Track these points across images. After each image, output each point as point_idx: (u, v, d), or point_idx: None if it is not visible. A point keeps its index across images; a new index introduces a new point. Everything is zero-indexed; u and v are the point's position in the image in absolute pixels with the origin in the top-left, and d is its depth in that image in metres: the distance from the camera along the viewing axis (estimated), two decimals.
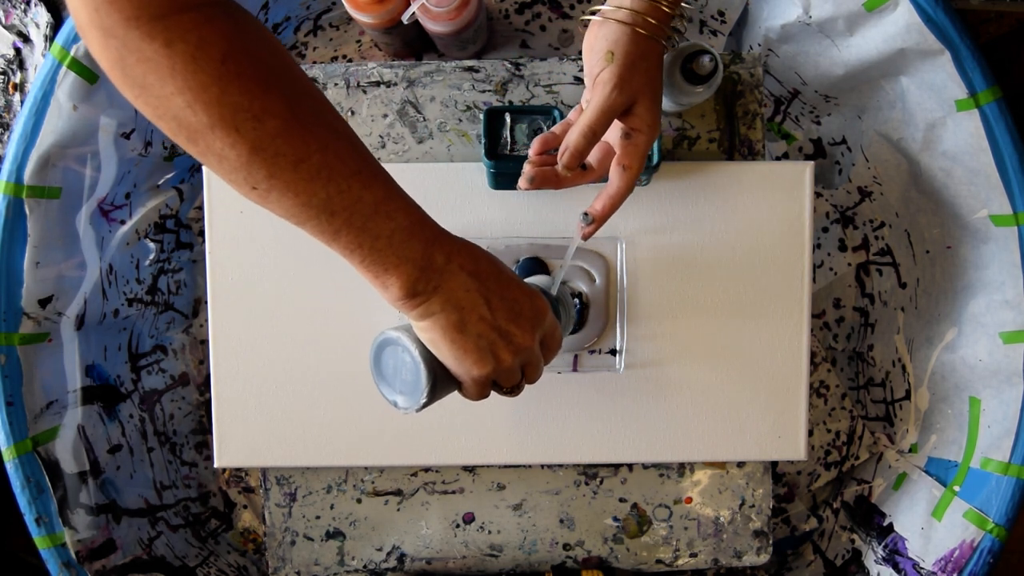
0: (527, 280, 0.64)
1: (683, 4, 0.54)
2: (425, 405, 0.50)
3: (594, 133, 0.53)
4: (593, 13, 0.53)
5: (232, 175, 0.40)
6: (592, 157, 0.60)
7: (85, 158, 0.80)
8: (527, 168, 0.57)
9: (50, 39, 0.89)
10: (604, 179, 0.57)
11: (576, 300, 0.72)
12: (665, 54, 0.55)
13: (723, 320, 0.73)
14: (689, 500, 0.78)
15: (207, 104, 0.37)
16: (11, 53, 0.92)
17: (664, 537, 0.78)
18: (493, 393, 0.53)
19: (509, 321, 0.49)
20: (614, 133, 0.55)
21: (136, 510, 0.87)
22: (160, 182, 0.94)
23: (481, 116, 0.69)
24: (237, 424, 0.74)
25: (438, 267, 0.46)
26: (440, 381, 0.50)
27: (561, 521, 0.78)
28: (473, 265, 0.48)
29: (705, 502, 0.78)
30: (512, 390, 0.54)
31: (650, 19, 0.51)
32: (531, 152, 0.58)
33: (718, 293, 0.73)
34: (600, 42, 0.52)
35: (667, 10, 0.52)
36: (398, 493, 0.78)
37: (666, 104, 0.71)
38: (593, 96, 0.52)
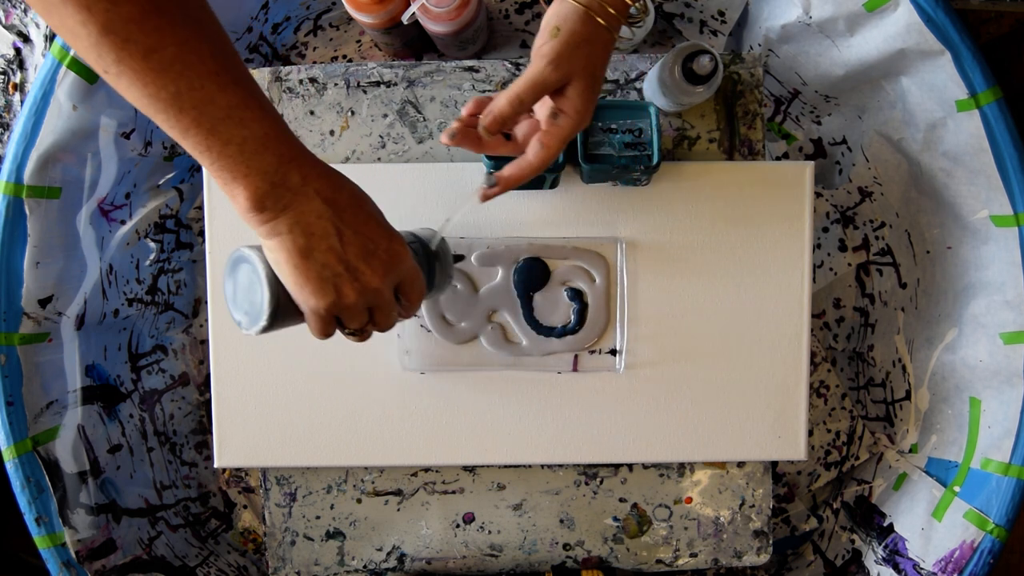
0: (412, 230, 0.62)
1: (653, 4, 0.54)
2: (266, 329, 0.49)
3: (520, 101, 0.52)
4: None
5: (85, 54, 0.40)
6: (519, 130, 0.59)
7: (85, 158, 0.80)
8: (453, 123, 0.56)
9: (50, 39, 0.89)
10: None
11: (575, 302, 0.72)
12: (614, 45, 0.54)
13: (723, 320, 0.73)
14: (689, 500, 0.78)
15: None
16: (11, 53, 0.92)
17: (664, 537, 0.78)
18: (340, 335, 0.52)
19: (359, 258, 0.47)
20: (546, 111, 0.55)
21: (136, 510, 0.87)
22: (160, 182, 0.94)
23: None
24: (237, 424, 0.74)
25: (292, 186, 0.44)
26: (283, 307, 0.49)
27: (561, 521, 0.78)
28: (331, 192, 0.46)
29: (705, 502, 0.78)
30: (358, 333, 0.52)
31: (608, 7, 0.51)
32: (464, 110, 0.58)
33: (718, 293, 0.73)
34: (551, 18, 0.52)
35: (628, 1, 0.52)
36: (398, 493, 0.78)
37: (666, 104, 0.71)
38: (528, 67, 0.52)
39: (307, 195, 0.45)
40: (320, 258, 0.46)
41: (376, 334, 0.54)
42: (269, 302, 0.48)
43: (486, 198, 0.57)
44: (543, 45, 0.52)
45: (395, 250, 0.50)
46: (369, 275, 0.48)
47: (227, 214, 0.73)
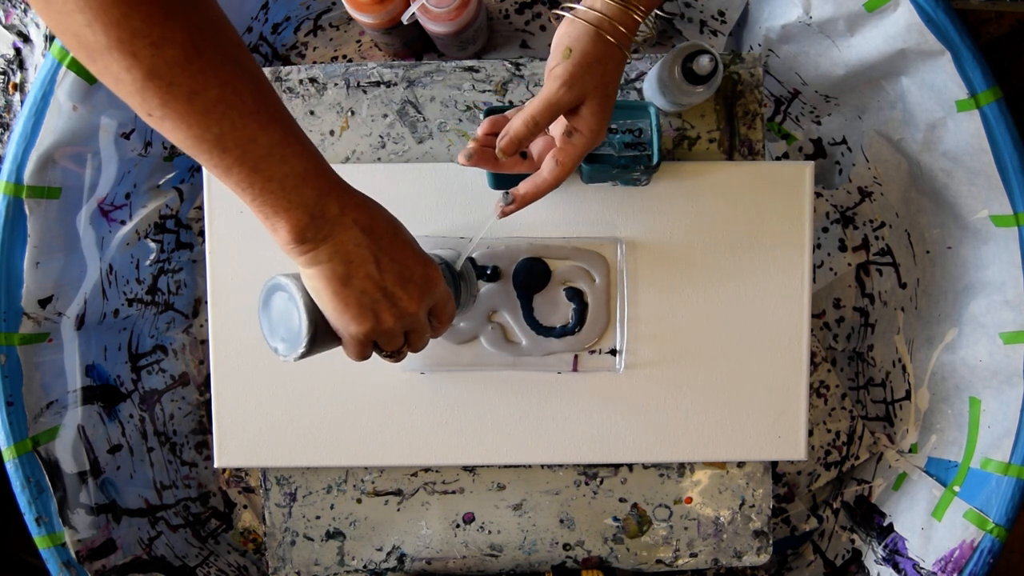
0: (437, 252, 0.64)
1: (657, 12, 0.54)
2: (304, 355, 0.50)
3: (536, 123, 0.53)
4: (568, 9, 0.53)
5: (128, 99, 0.40)
6: (534, 148, 0.60)
7: (85, 158, 0.80)
8: (470, 144, 0.58)
9: (50, 39, 0.89)
10: None
11: (574, 302, 0.72)
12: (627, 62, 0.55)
13: (723, 320, 0.73)
14: (689, 500, 0.78)
15: (106, 25, 0.37)
16: (11, 53, 0.92)
17: (664, 537, 0.78)
18: (376, 356, 0.54)
19: (396, 284, 0.49)
20: (560, 128, 0.56)
21: (136, 510, 0.87)
22: (160, 182, 0.94)
23: (481, 116, 0.69)
24: (237, 424, 0.74)
25: (331, 217, 0.46)
26: (321, 333, 0.50)
27: (561, 521, 0.78)
28: (368, 221, 0.48)
29: (705, 502, 0.78)
30: (394, 355, 0.53)
31: (619, 25, 0.51)
32: (480, 130, 0.59)
33: (718, 293, 0.73)
34: (563, 38, 0.53)
35: (638, 18, 0.52)
36: (398, 493, 0.78)
37: (666, 104, 0.71)
38: (543, 88, 0.53)
39: (345, 225, 0.46)
40: (359, 285, 0.48)
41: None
42: (308, 328, 0.49)
43: (504, 215, 0.59)
44: (556, 66, 0.52)
45: (430, 275, 0.51)
46: (406, 300, 0.50)
47: (227, 214, 0.73)
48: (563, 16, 0.53)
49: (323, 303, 0.48)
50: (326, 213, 0.45)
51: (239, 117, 0.41)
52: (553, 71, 0.52)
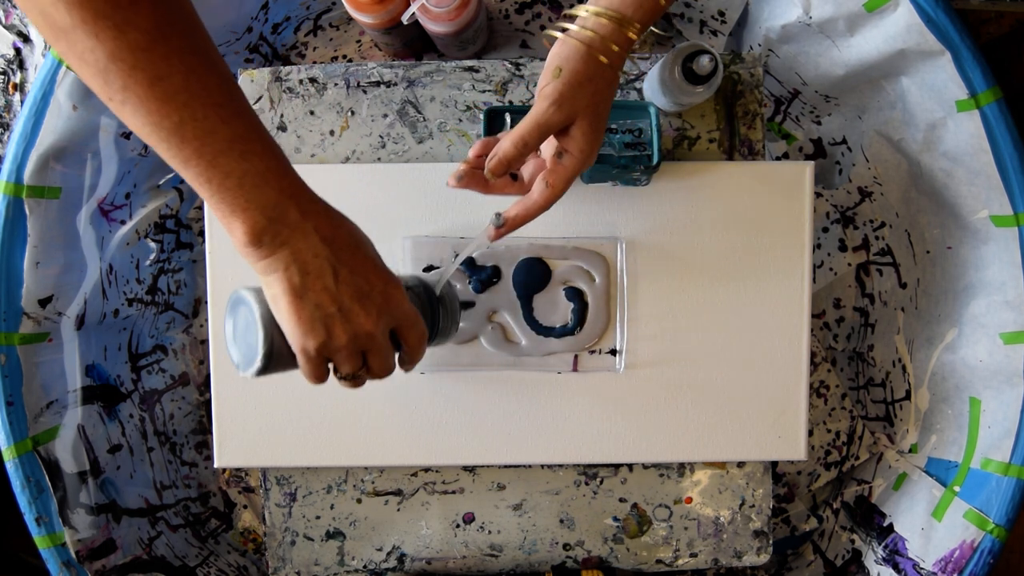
0: (418, 274, 0.62)
1: (653, 30, 0.54)
2: (262, 371, 0.48)
3: (525, 144, 0.52)
4: (563, 30, 0.52)
5: (91, 81, 0.40)
6: (525, 170, 0.60)
7: (85, 158, 0.80)
8: (460, 166, 0.57)
9: None
10: None
11: (573, 302, 0.72)
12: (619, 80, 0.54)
13: (723, 320, 0.73)
14: (689, 500, 0.78)
15: (70, 5, 0.37)
16: (11, 53, 0.92)
17: (664, 537, 0.78)
18: (334, 380, 0.51)
19: (353, 299, 0.47)
20: (550, 150, 0.55)
21: (136, 510, 0.87)
22: (160, 182, 0.94)
23: (481, 116, 0.69)
24: (237, 424, 0.74)
25: (290, 222, 0.44)
26: (279, 350, 0.48)
27: (561, 521, 0.78)
28: (330, 231, 0.46)
29: (705, 502, 0.78)
30: (352, 378, 0.51)
31: (612, 44, 0.50)
32: (471, 152, 0.58)
33: (718, 293, 0.73)
34: (553, 58, 0.52)
35: (632, 36, 0.51)
36: (398, 493, 0.78)
37: (666, 104, 0.71)
38: (532, 109, 0.52)
39: (305, 232, 0.45)
40: (313, 297, 0.46)
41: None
42: (263, 343, 0.47)
43: (495, 238, 0.57)
44: (546, 86, 0.51)
45: (390, 293, 0.49)
46: (363, 317, 0.48)
47: None
48: (555, 38, 0.52)
49: (278, 314, 0.47)
50: (285, 217, 0.44)
51: (200, 107, 0.40)
52: (543, 91, 0.51)
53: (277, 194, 0.44)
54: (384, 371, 0.52)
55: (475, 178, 0.57)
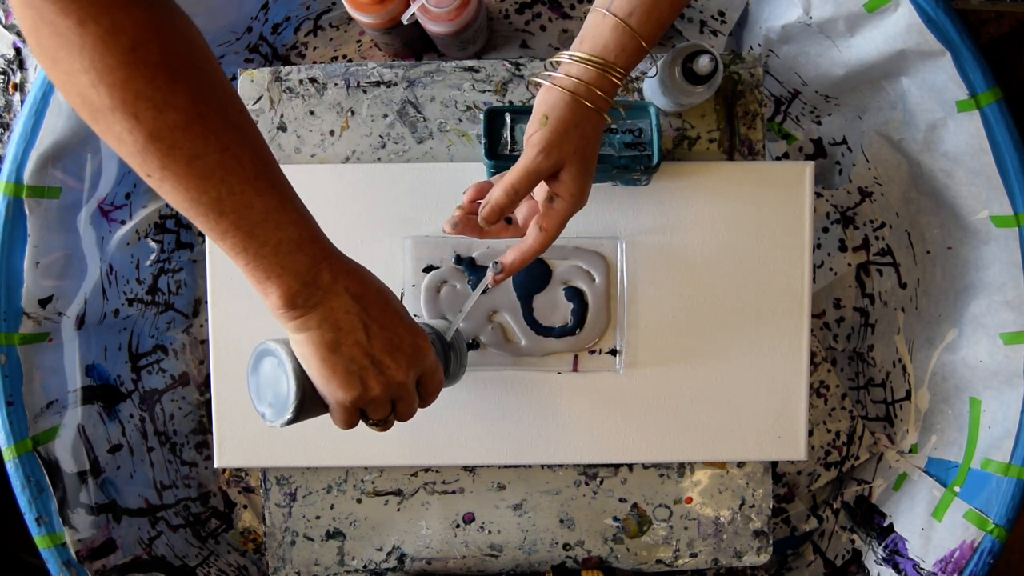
0: (428, 322, 0.65)
1: (637, 72, 0.54)
2: (291, 421, 0.50)
3: (516, 192, 0.54)
4: (545, 78, 0.53)
5: (129, 159, 0.41)
6: (519, 213, 0.61)
7: (85, 158, 0.80)
8: (455, 213, 0.59)
9: None
10: None
11: (573, 302, 0.72)
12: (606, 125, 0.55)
13: (723, 320, 0.73)
14: (689, 500, 0.78)
15: (111, 87, 0.37)
16: (11, 53, 0.92)
17: (664, 537, 0.78)
18: (362, 424, 0.53)
19: (384, 352, 0.49)
20: (542, 194, 0.56)
21: (136, 510, 0.87)
22: None
23: (481, 116, 0.69)
24: (237, 424, 0.74)
25: (323, 285, 0.46)
26: (309, 400, 0.50)
27: (561, 521, 0.78)
28: (359, 288, 0.48)
29: (705, 502, 0.78)
30: (381, 423, 0.53)
31: (596, 90, 0.51)
32: (464, 197, 0.59)
33: (718, 293, 0.73)
34: (540, 105, 0.53)
35: (616, 80, 0.52)
36: (398, 493, 0.78)
37: (666, 104, 0.71)
38: (521, 157, 0.53)
39: (337, 292, 0.47)
40: (347, 352, 0.48)
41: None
42: (296, 394, 0.49)
43: (495, 284, 0.60)
44: (533, 134, 0.52)
45: (419, 345, 0.51)
46: (394, 369, 0.50)
47: None
48: (541, 84, 0.53)
49: (311, 369, 0.48)
50: (318, 280, 0.46)
51: (237, 182, 0.42)
52: (531, 139, 0.53)
53: (310, 259, 0.45)
54: (410, 415, 0.54)
55: (469, 224, 0.59)
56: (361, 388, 0.49)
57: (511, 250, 0.58)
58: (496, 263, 0.58)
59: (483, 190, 0.59)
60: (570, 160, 0.53)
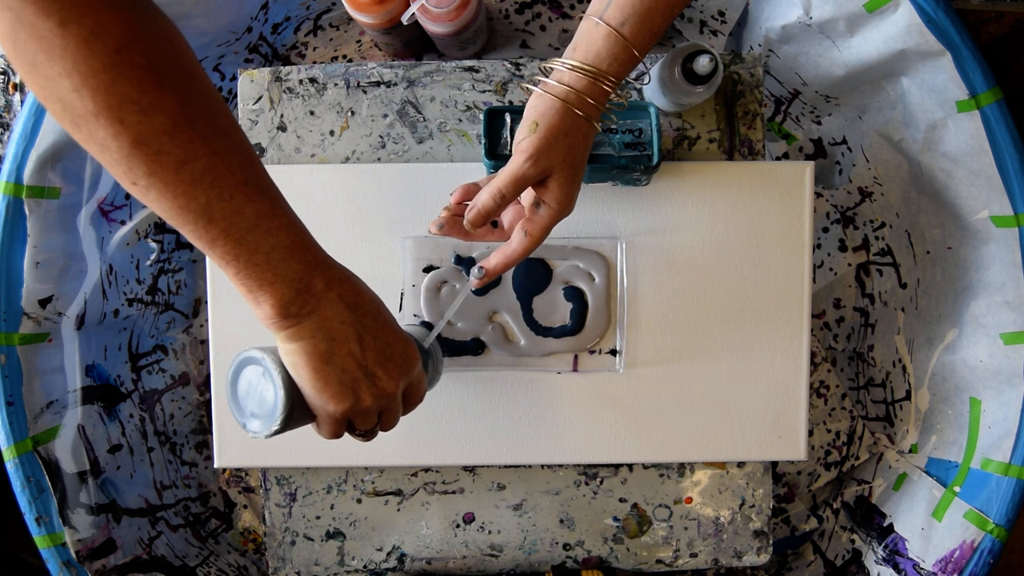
0: (406, 328, 0.64)
1: (627, 80, 0.54)
2: (276, 432, 0.48)
3: (502, 197, 0.53)
4: (536, 83, 0.53)
5: (113, 167, 0.39)
6: (505, 217, 0.61)
7: (85, 158, 0.80)
8: (441, 214, 0.58)
9: None
10: None
11: (572, 302, 0.72)
12: (597, 132, 0.55)
13: (723, 320, 0.73)
14: (689, 500, 0.78)
15: (95, 90, 0.36)
16: None
17: (664, 537, 0.78)
18: (347, 435, 0.52)
19: (377, 363, 0.48)
20: (529, 199, 0.56)
21: (136, 510, 0.87)
22: None
23: (481, 116, 0.69)
24: (237, 424, 0.74)
25: (316, 292, 0.45)
26: (297, 410, 0.48)
27: (561, 521, 0.78)
28: (353, 297, 0.47)
29: (705, 502, 0.78)
30: (366, 434, 0.52)
31: (587, 98, 0.51)
32: (452, 198, 0.59)
33: (718, 293, 0.73)
34: (530, 112, 0.53)
35: (607, 88, 0.52)
36: (398, 493, 0.78)
37: (666, 104, 0.71)
38: (509, 162, 0.53)
39: (330, 300, 0.46)
40: (340, 363, 0.47)
41: None
42: (284, 405, 0.47)
43: (477, 287, 0.60)
44: (522, 140, 0.52)
45: (409, 355, 0.51)
46: (386, 380, 0.49)
47: None
48: (532, 91, 0.53)
49: (302, 380, 0.47)
50: (311, 288, 0.45)
51: (227, 188, 0.40)
52: (520, 145, 0.52)
53: (303, 266, 0.44)
54: (393, 425, 0.54)
55: (455, 226, 0.58)
56: (353, 399, 0.48)
57: (495, 254, 0.57)
58: (480, 268, 0.58)
59: (470, 192, 0.59)
60: (558, 168, 0.53)
